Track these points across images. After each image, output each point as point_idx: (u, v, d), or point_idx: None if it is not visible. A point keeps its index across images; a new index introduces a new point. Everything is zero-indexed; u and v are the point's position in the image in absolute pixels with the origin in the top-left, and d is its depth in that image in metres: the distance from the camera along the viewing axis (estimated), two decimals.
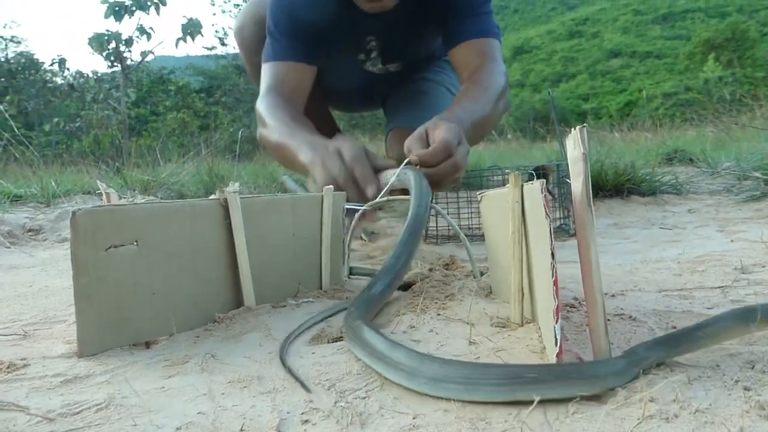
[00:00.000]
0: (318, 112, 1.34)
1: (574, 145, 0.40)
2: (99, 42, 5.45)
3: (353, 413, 0.37)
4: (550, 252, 0.42)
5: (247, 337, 0.57)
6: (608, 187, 1.36)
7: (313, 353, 0.51)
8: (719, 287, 0.65)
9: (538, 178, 1.19)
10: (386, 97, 1.66)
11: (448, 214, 1.22)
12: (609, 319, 0.55)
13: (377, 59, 1.50)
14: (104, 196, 0.62)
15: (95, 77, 7.66)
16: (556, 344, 0.40)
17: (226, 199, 0.63)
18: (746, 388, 0.37)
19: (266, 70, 1.28)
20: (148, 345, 0.54)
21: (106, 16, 5.11)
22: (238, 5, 15.01)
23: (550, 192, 1.16)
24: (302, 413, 0.38)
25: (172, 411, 0.39)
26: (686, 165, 2.15)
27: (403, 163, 0.81)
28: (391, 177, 0.82)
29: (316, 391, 0.42)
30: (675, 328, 0.52)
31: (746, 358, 0.42)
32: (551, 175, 1.17)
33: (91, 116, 6.84)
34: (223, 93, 11.50)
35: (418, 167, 0.81)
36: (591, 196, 0.41)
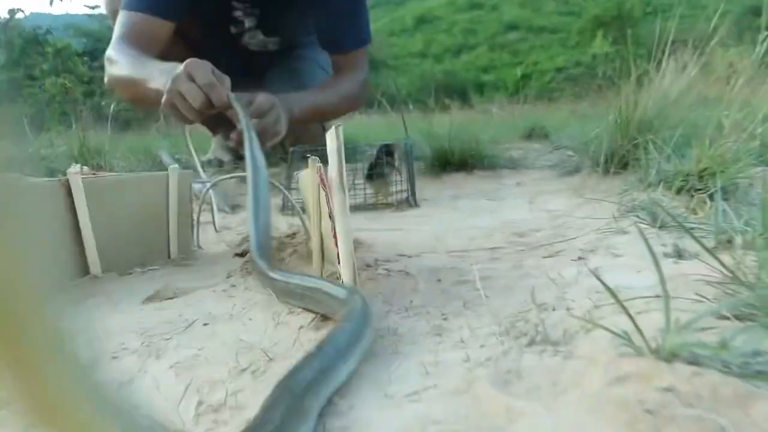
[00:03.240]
0: None
1: (331, 139, 0.53)
2: None
3: (155, 349, 0.49)
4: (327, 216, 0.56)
5: (88, 302, 0.66)
6: (455, 162, 1.53)
7: (141, 310, 0.61)
8: (491, 248, 0.81)
9: (387, 154, 1.33)
10: (264, 75, 1.74)
11: None
12: (390, 275, 0.69)
13: (255, 31, 1.57)
14: None
15: None
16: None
17: (68, 180, 0.71)
18: None
19: (120, 19, 1.26)
20: None
21: None
22: None
23: (396, 167, 1.30)
24: (113, 352, 0.49)
25: None
26: (541, 141, 2.39)
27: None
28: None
29: (130, 336, 0.52)
30: (440, 280, 0.67)
31: None
32: (397, 152, 1.31)
33: None
34: None
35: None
36: (345, 180, 0.54)
